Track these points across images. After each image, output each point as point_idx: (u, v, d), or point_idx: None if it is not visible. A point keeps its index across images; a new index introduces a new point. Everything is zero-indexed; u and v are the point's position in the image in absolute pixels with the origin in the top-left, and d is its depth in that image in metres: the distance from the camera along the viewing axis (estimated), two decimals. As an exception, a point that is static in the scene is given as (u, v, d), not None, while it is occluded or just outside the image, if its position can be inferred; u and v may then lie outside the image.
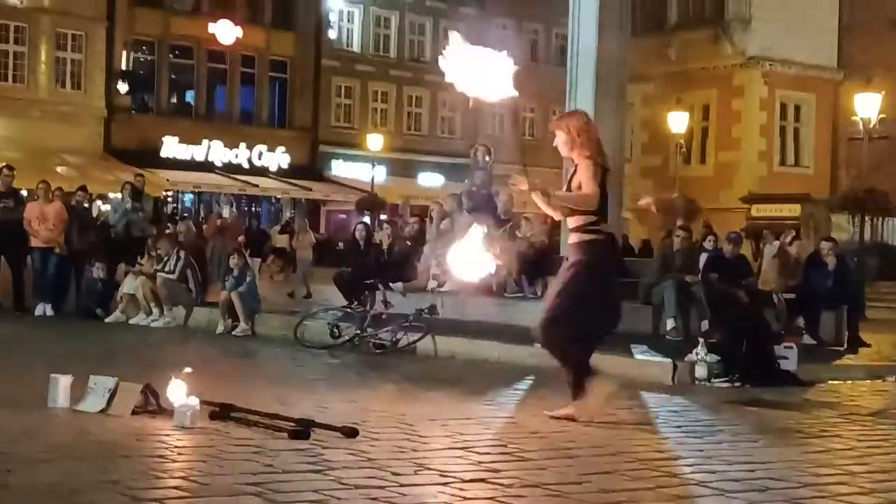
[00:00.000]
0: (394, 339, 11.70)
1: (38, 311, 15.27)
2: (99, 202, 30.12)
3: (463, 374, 9.89)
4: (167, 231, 18.92)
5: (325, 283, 18.93)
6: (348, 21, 44.84)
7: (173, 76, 41.35)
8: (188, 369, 6.63)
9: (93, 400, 6.69)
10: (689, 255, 13.83)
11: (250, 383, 8.75)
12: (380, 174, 41.93)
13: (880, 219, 32.51)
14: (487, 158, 16.38)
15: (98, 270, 15.52)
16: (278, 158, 41.98)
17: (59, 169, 33.67)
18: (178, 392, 6.36)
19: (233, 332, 13.54)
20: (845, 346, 13.27)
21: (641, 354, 10.55)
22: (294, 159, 42.29)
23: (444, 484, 5.04)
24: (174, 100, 41.95)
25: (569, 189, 7.21)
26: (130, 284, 15.07)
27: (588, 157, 7.11)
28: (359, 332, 11.99)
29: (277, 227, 36.07)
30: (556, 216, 7.43)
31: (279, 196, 42.24)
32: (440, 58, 6.92)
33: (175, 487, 4.77)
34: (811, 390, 9.67)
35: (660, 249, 14.77)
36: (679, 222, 19.44)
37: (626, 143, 19.05)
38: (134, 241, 16.79)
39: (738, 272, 13.39)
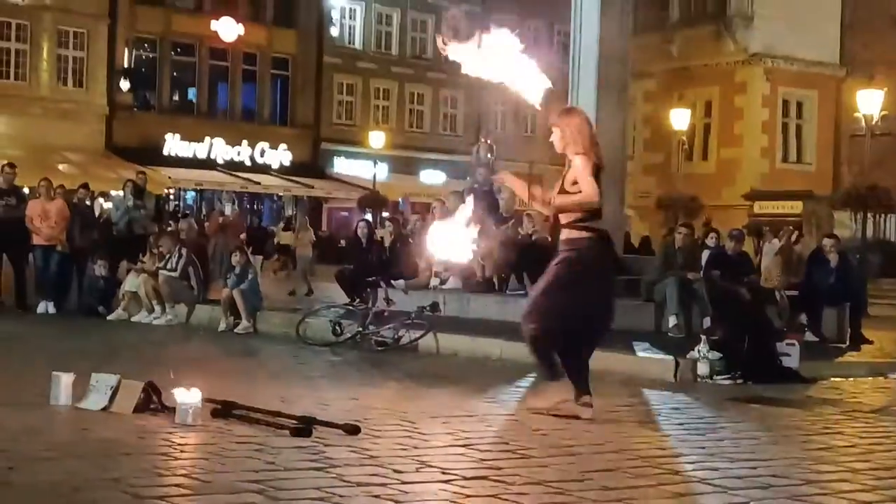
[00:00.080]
0: (396, 337, 11.70)
1: (41, 308, 15.27)
2: (101, 200, 30.15)
3: (465, 372, 9.89)
4: (169, 229, 18.94)
5: (327, 280, 18.96)
6: (350, 18, 44.83)
7: (175, 73, 41.36)
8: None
9: (95, 398, 6.69)
10: (692, 253, 13.83)
11: (252, 381, 8.74)
12: (382, 171, 41.95)
13: (882, 215, 32.52)
14: (490, 155, 16.35)
15: (100, 268, 15.51)
16: (280, 156, 42.00)
17: (60, 166, 33.70)
18: (185, 392, 6.34)
19: (235, 330, 13.54)
20: (847, 343, 13.25)
21: (643, 352, 10.54)
22: (296, 157, 42.30)
23: (446, 481, 5.04)
24: (176, 97, 41.96)
25: (562, 186, 7.19)
26: (132, 282, 15.07)
27: (581, 153, 7.11)
28: (361, 329, 11.98)
29: (281, 225, 36.13)
30: (547, 212, 7.43)
31: (281, 193, 42.27)
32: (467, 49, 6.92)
33: (177, 485, 4.76)
34: (813, 387, 9.66)
35: (662, 246, 14.77)
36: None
37: (629, 140, 19.04)
38: (136, 238, 16.78)
39: (740, 269, 13.38)
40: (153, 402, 6.61)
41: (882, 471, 5.74)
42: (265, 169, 41.23)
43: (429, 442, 6.09)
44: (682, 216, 31.35)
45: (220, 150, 40.65)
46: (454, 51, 6.93)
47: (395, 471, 5.18)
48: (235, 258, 14.44)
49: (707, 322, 12.12)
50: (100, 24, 38.33)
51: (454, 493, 4.82)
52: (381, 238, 16.72)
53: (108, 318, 14.91)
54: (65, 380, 6.79)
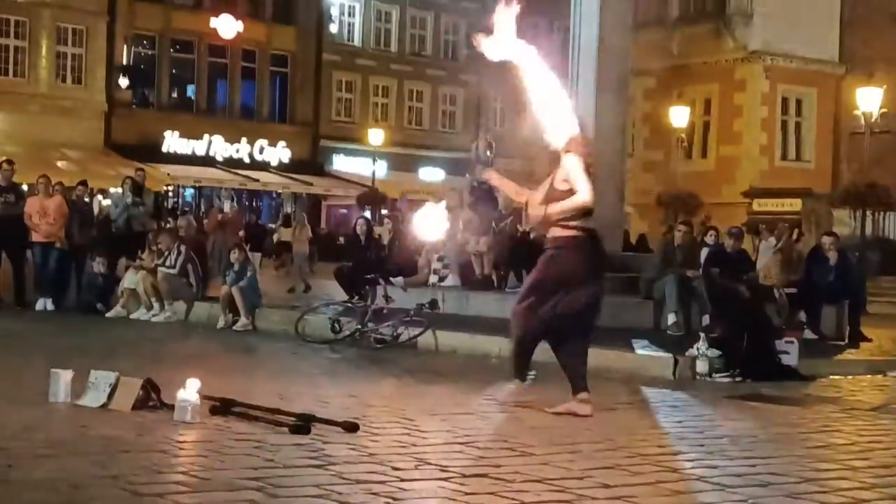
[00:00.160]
0: (395, 334, 11.70)
1: (39, 305, 15.25)
2: (100, 197, 30.13)
3: (464, 369, 9.89)
4: (168, 226, 18.92)
5: (326, 277, 18.96)
6: (349, 15, 44.81)
7: (174, 71, 41.34)
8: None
9: (94, 395, 6.69)
10: (691, 250, 13.83)
11: (251, 378, 8.74)
12: (381, 169, 41.93)
13: (882, 213, 32.49)
14: (489, 153, 16.39)
15: (99, 265, 15.50)
16: (279, 153, 41.99)
17: (59, 163, 33.68)
18: (184, 387, 6.34)
19: (233, 327, 13.53)
20: (846, 340, 13.26)
21: (642, 349, 10.55)
22: (295, 154, 42.29)
23: (445, 479, 5.04)
24: (175, 94, 41.95)
25: (552, 185, 7.22)
26: (131, 279, 15.05)
27: (572, 152, 7.12)
28: (360, 326, 11.98)
29: (279, 222, 36.14)
30: (536, 212, 7.45)
31: (280, 191, 42.26)
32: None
33: (176, 482, 4.76)
34: (812, 385, 9.66)
35: (661, 244, 14.77)
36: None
37: (628, 138, 19.02)
38: (135, 235, 16.76)
39: (739, 267, 13.38)
40: (152, 399, 6.61)
41: (881, 468, 5.75)
42: (264, 166, 41.21)
43: (427, 439, 6.09)
44: (681, 214, 31.35)
45: (219, 147, 40.63)
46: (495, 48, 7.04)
47: (394, 468, 5.18)
48: (234, 255, 14.43)
49: (706, 320, 12.12)
50: (99, 20, 38.31)
51: (453, 490, 4.82)
52: (380, 235, 16.72)
53: (107, 315, 14.89)
54: (63, 377, 6.79)
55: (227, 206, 32.31)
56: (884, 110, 30.23)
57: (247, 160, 41.02)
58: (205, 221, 24.05)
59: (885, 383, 10.34)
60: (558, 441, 6.18)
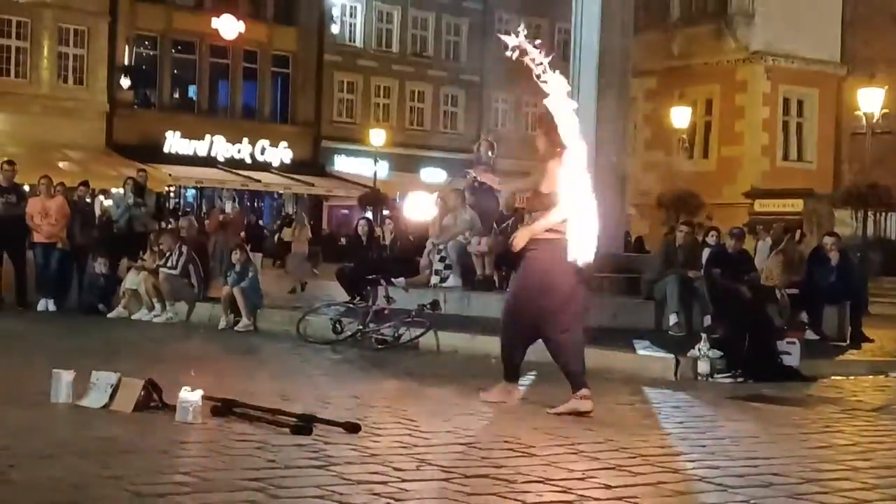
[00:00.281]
0: (396, 335, 11.69)
1: (41, 306, 15.26)
2: (101, 197, 30.15)
3: (465, 370, 9.89)
4: (169, 226, 18.91)
5: (328, 278, 18.96)
6: (351, 16, 44.82)
7: (175, 71, 41.35)
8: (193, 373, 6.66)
9: (95, 395, 6.69)
10: (692, 251, 13.83)
11: (252, 379, 8.74)
12: (382, 169, 41.94)
13: (883, 214, 32.50)
14: (490, 153, 16.38)
15: (100, 266, 15.51)
16: (281, 153, 41.99)
17: (61, 164, 33.69)
18: (186, 388, 6.34)
19: (235, 328, 13.54)
20: (848, 341, 13.26)
21: (644, 350, 10.55)
22: (296, 154, 42.29)
23: (447, 479, 5.04)
24: (176, 95, 41.97)
25: (538, 191, 7.39)
26: (133, 280, 15.06)
27: (554, 158, 7.28)
28: (361, 327, 11.98)
29: (278, 223, 36.12)
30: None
31: (281, 191, 42.27)
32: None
33: (178, 483, 4.76)
34: (814, 386, 9.66)
35: (663, 245, 14.77)
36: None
37: (629, 138, 19.02)
38: (136, 236, 16.77)
39: (740, 267, 13.38)
40: (153, 399, 6.61)
41: (882, 469, 5.75)
42: (266, 167, 41.22)
43: (429, 440, 6.09)
44: (682, 214, 31.36)
45: (221, 147, 40.64)
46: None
47: (396, 469, 5.18)
48: (236, 256, 14.43)
49: (708, 320, 12.13)
50: (100, 21, 38.33)
51: (455, 491, 4.81)
52: (382, 236, 16.71)
53: (109, 315, 14.90)
54: (65, 377, 6.79)
55: (228, 207, 32.26)
56: (885, 111, 30.25)
57: (248, 161, 41.03)
58: (206, 222, 24.03)
59: (887, 384, 10.34)
60: (560, 441, 6.18)
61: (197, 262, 15.16)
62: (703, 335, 9.96)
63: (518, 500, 4.67)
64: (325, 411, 6.67)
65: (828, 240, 14.39)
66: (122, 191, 18.54)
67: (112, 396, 6.63)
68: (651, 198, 36.33)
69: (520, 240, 7.39)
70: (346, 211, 43.48)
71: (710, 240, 15.99)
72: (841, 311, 13.70)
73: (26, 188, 17.19)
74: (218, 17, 40.39)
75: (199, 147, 40.21)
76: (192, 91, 42.04)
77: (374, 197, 39.26)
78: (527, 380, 8.57)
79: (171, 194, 39.72)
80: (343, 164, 43.51)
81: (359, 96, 44.73)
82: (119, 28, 38.76)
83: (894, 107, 30.99)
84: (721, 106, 38.91)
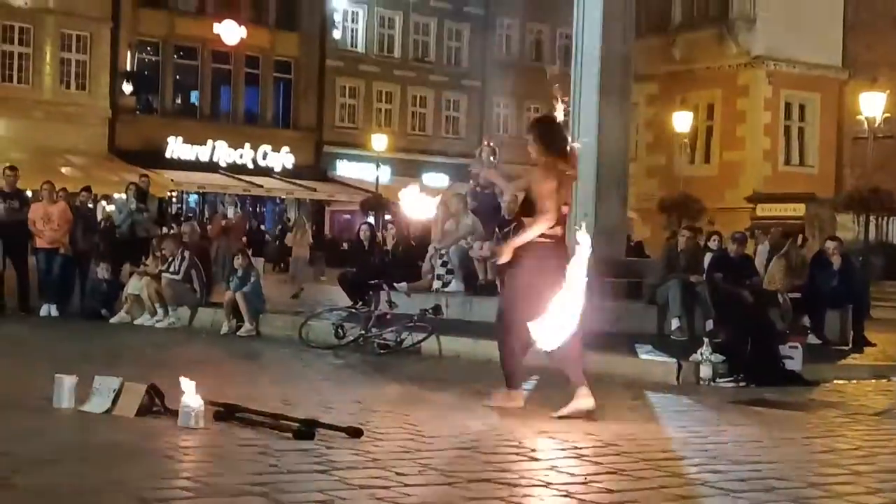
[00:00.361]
0: (398, 340, 11.69)
1: (43, 311, 15.26)
2: (104, 203, 30.18)
3: (467, 375, 9.88)
4: (172, 231, 18.93)
5: (330, 283, 18.95)
6: (352, 21, 44.86)
7: (178, 77, 41.40)
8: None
9: (98, 400, 6.69)
10: (694, 255, 13.83)
11: (255, 384, 8.74)
12: (384, 174, 41.94)
13: (885, 218, 32.48)
14: (492, 158, 16.37)
15: (103, 271, 15.52)
16: (283, 159, 42.02)
17: (63, 169, 33.72)
18: (188, 393, 6.34)
19: (237, 333, 13.54)
20: (850, 345, 13.24)
21: (646, 354, 10.54)
22: (298, 159, 42.31)
23: (449, 484, 5.04)
24: (179, 100, 42.01)
25: (528, 197, 7.46)
26: (135, 285, 15.07)
27: (541, 166, 7.36)
28: (363, 332, 11.97)
29: (279, 227, 36.10)
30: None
31: (283, 196, 42.30)
32: None
33: (180, 488, 4.77)
34: (816, 390, 9.65)
35: (665, 249, 14.77)
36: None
37: (631, 143, 19.03)
38: (138, 241, 16.78)
39: (742, 272, 13.38)
40: (156, 404, 6.61)
41: (885, 473, 5.74)
42: (268, 172, 41.25)
43: (431, 444, 6.09)
44: (684, 219, 31.36)
45: (223, 153, 40.67)
46: None
47: (398, 473, 5.18)
48: (238, 261, 14.44)
49: (710, 325, 12.12)
50: (102, 27, 38.37)
51: (457, 495, 4.82)
52: (384, 241, 16.71)
53: (111, 320, 14.91)
54: (68, 382, 6.79)
55: (230, 212, 32.33)
56: (887, 115, 30.26)
57: (250, 166, 41.05)
58: (208, 227, 24.07)
59: (889, 388, 10.33)
60: (562, 446, 6.19)
61: (199, 268, 15.16)
62: (706, 339, 9.95)
63: (520, 505, 4.68)
64: (327, 416, 6.67)
65: (830, 244, 14.39)
66: (124, 196, 18.55)
67: (114, 401, 6.64)
68: (653, 202, 36.33)
69: (505, 253, 7.44)
70: (348, 216, 43.49)
71: (712, 244, 15.98)
72: (843, 315, 13.69)
73: (29, 193, 17.22)
74: (220, 22, 40.44)
75: (202, 152, 40.23)
76: (194, 96, 42.08)
77: (376, 202, 39.27)
78: (529, 384, 8.57)
79: (174, 199, 39.75)
80: (345, 168, 43.53)
81: (361, 101, 44.76)
82: (121, 34, 38.81)
83: (896, 111, 30.99)
84: (723, 110, 38.91)
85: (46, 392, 6.85)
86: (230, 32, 40.53)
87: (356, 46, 44.91)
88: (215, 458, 5.47)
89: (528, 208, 7.45)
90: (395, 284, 13.74)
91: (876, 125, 29.76)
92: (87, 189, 18.36)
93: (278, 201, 43.42)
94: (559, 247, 7.38)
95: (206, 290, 15.24)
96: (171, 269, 14.87)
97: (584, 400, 7.21)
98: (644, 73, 33.34)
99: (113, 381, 6.76)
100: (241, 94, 42.24)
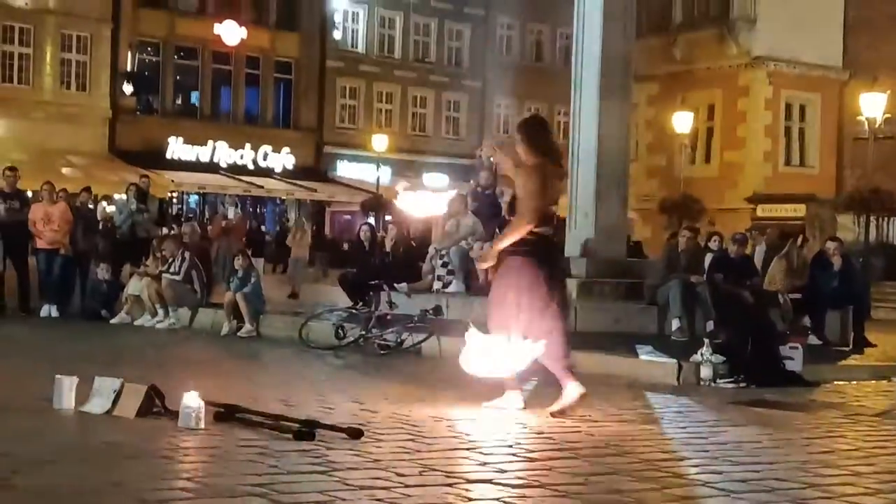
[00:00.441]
0: (399, 340, 11.69)
1: (44, 312, 15.27)
2: (104, 203, 30.16)
3: (467, 376, 9.88)
4: (172, 232, 18.93)
5: (331, 284, 18.94)
6: (353, 22, 44.86)
7: (178, 77, 41.39)
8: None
9: (98, 401, 6.69)
10: (695, 256, 13.83)
11: (255, 384, 8.75)
12: (385, 175, 41.94)
13: (885, 219, 32.46)
14: (493, 159, 16.37)
15: (103, 272, 15.52)
16: (283, 159, 42.01)
17: (64, 170, 33.70)
18: (188, 394, 6.34)
19: (238, 334, 13.54)
20: (851, 346, 13.24)
21: (646, 355, 10.54)
22: (299, 160, 42.31)
23: (450, 485, 5.04)
24: (179, 101, 42.01)
25: (515, 195, 7.55)
26: (135, 286, 15.07)
27: (527, 166, 7.39)
28: (364, 332, 11.98)
29: (278, 228, 36.09)
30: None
31: (284, 197, 42.28)
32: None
33: (180, 489, 4.77)
34: (816, 391, 9.65)
35: (665, 250, 14.77)
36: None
37: (631, 143, 19.01)
38: (139, 242, 16.78)
39: (743, 272, 13.38)
40: (156, 405, 6.61)
41: (885, 474, 5.74)
42: (268, 172, 41.24)
43: (432, 445, 6.09)
44: (684, 219, 31.36)
45: (223, 153, 40.66)
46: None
47: (398, 474, 5.19)
48: (238, 262, 14.44)
49: (710, 325, 12.12)
50: (103, 27, 38.37)
51: (457, 496, 4.82)
52: (384, 241, 16.70)
53: (111, 321, 14.91)
54: (68, 383, 6.79)
55: (231, 213, 32.32)
56: (887, 115, 30.24)
57: (251, 166, 41.05)
58: (209, 228, 24.07)
59: (890, 389, 10.33)
60: (562, 446, 6.18)
61: (200, 268, 15.17)
62: (706, 340, 9.95)
63: (520, 506, 4.67)
64: (327, 417, 6.67)
65: (830, 245, 14.38)
66: (124, 197, 18.56)
67: (115, 402, 6.64)
68: (653, 203, 36.32)
69: (489, 258, 7.52)
70: (348, 216, 43.48)
71: (713, 245, 15.98)
72: (843, 315, 13.69)
73: (29, 194, 17.22)
74: (220, 23, 40.43)
75: (202, 153, 40.23)
76: (194, 97, 42.08)
77: (377, 202, 39.27)
78: (529, 385, 8.57)
79: (174, 200, 39.75)
80: (345, 169, 43.52)
81: (361, 102, 44.76)
82: (122, 34, 38.81)
83: (897, 111, 30.99)
84: (723, 111, 38.90)
85: (46, 393, 6.85)
86: (231, 33, 40.52)
87: (356, 47, 44.91)
88: (215, 459, 5.47)
89: (516, 209, 7.56)
90: (395, 285, 13.75)
91: (876, 126, 29.75)
92: (88, 190, 18.36)
93: (279, 202, 43.41)
94: (544, 245, 7.42)
95: (206, 291, 15.24)
96: (172, 270, 14.87)
97: (572, 390, 7.30)
98: (644, 73, 33.34)
99: (113, 381, 6.76)
100: (241, 95, 42.24)
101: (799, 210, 33.88)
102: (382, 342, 11.75)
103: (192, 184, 39.16)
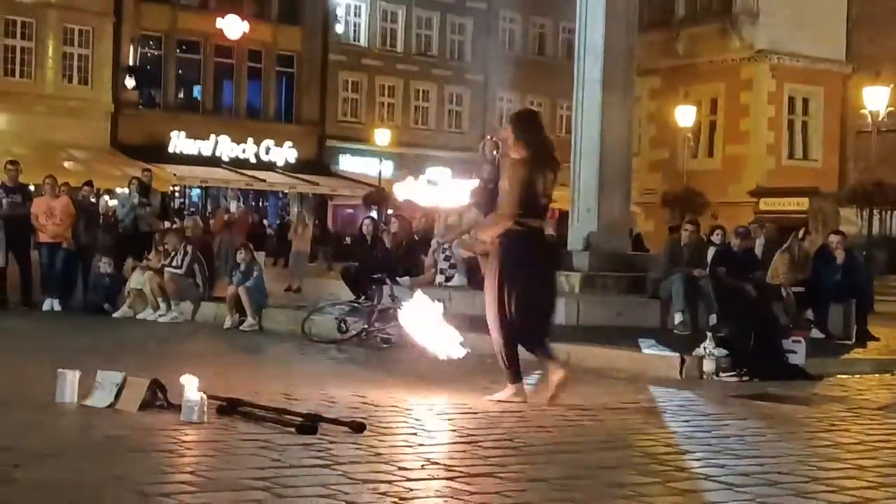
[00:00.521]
0: (401, 334, 11.67)
1: (46, 306, 15.28)
2: (106, 197, 30.15)
3: (471, 369, 9.87)
4: (174, 226, 18.92)
5: (334, 277, 18.94)
6: (355, 15, 44.83)
7: (180, 71, 41.40)
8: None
9: (100, 395, 6.69)
10: (697, 249, 13.82)
11: (257, 378, 8.74)
12: (387, 169, 41.94)
13: (888, 212, 32.50)
14: (495, 152, 16.35)
15: (105, 265, 15.52)
16: (285, 153, 42.01)
17: (66, 164, 33.73)
18: (191, 388, 6.34)
19: (240, 327, 13.55)
20: (853, 339, 13.23)
21: (649, 348, 10.54)
22: (301, 154, 42.31)
23: (451, 478, 5.03)
24: (181, 95, 42.01)
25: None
26: (138, 279, 15.08)
27: (515, 158, 7.45)
28: (366, 326, 11.98)
29: (278, 222, 36.07)
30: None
31: (286, 191, 42.28)
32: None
33: (183, 482, 4.76)
34: (819, 384, 9.64)
35: (668, 243, 14.76)
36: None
37: (634, 137, 19.02)
38: (141, 236, 16.79)
39: (746, 266, 13.37)
40: (159, 399, 6.61)
41: (888, 468, 5.73)
42: (270, 166, 41.24)
43: (434, 439, 6.09)
44: (687, 213, 31.35)
45: (226, 147, 40.67)
46: None
47: (401, 468, 5.18)
48: (241, 255, 14.45)
49: (713, 319, 12.10)
50: (105, 21, 38.37)
51: (459, 489, 4.81)
52: (386, 235, 16.70)
53: (114, 315, 14.92)
54: (70, 377, 6.79)
55: (233, 207, 32.37)
56: (890, 109, 30.26)
57: (253, 160, 41.05)
58: (211, 222, 24.09)
59: (893, 382, 10.32)
60: (564, 440, 6.18)
61: (202, 262, 15.17)
62: (709, 334, 9.94)
63: (522, 500, 4.67)
64: (330, 410, 6.67)
65: (833, 238, 14.37)
66: (126, 191, 18.56)
67: (117, 396, 6.64)
68: (656, 196, 36.33)
69: (474, 247, 7.74)
70: (350, 210, 43.49)
71: (716, 238, 15.97)
72: (846, 309, 13.67)
73: (31, 188, 17.24)
74: (222, 17, 40.42)
75: (204, 147, 40.23)
76: (196, 91, 42.08)
77: (379, 196, 39.27)
78: (532, 379, 8.57)
79: (176, 194, 39.74)
80: (348, 163, 43.52)
81: (363, 96, 44.74)
82: (124, 28, 38.81)
83: (899, 105, 30.95)
84: (726, 104, 38.89)
85: (49, 386, 6.85)
86: (233, 27, 40.51)
87: (359, 40, 44.88)
88: (218, 453, 5.46)
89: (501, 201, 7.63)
90: (397, 279, 13.74)
91: (879, 119, 29.76)
92: (90, 183, 18.35)
93: (281, 196, 43.42)
94: (531, 238, 7.44)
95: (208, 285, 15.25)
96: (174, 264, 14.87)
97: (556, 373, 7.42)
98: (647, 67, 33.33)
99: (115, 375, 6.75)
100: (243, 89, 42.23)
101: (802, 203, 33.88)
102: (385, 336, 11.74)
103: (195, 178, 39.17)
